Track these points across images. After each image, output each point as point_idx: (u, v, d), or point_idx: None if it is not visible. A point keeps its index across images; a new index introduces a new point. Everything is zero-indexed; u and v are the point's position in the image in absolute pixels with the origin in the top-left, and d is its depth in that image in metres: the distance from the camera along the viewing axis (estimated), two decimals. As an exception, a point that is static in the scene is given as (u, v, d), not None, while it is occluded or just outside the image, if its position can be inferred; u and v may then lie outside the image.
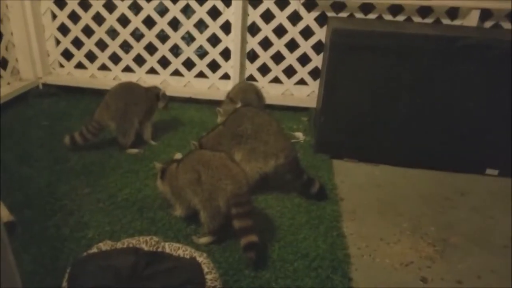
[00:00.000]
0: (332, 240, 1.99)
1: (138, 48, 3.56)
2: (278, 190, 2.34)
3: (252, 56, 3.45)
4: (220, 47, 3.42)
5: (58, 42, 3.70)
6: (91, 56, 3.70)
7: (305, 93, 3.43)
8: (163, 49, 3.53)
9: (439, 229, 2.14)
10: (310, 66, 3.33)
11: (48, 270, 1.69)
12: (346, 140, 2.75)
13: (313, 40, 3.24)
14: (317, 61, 3.27)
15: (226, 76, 3.52)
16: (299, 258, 1.86)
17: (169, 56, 3.55)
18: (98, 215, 2.06)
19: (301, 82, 3.42)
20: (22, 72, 3.62)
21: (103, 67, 3.71)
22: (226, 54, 3.44)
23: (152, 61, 3.58)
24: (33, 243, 1.84)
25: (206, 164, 1.90)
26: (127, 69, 3.67)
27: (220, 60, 3.46)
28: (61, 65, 3.79)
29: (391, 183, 2.55)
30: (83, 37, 3.61)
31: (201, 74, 3.58)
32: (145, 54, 3.58)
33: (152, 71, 3.64)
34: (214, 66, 3.53)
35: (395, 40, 2.49)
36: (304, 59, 3.33)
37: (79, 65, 3.75)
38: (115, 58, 3.66)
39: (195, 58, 3.51)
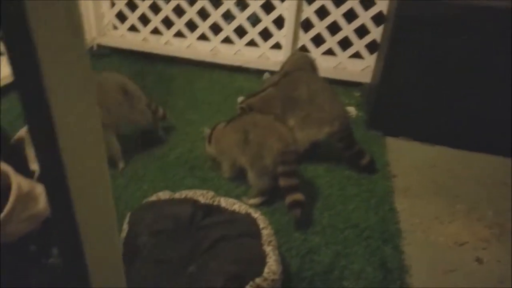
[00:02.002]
0: (383, 213, 1.95)
1: (191, 13, 3.54)
2: (327, 161, 2.31)
3: (306, 25, 3.36)
4: (274, 15, 3.34)
5: (112, 4, 3.75)
6: (144, 20, 3.73)
7: (359, 67, 3.32)
8: (216, 15, 3.49)
9: (496, 214, 2.04)
10: (367, 39, 3.19)
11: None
12: (402, 118, 2.65)
13: (373, 10, 3.09)
14: (375, 33, 3.14)
15: (277, 46, 3.46)
16: (349, 227, 1.84)
17: (221, 23, 3.52)
18: (152, 170, 2.11)
19: (356, 55, 3.30)
20: (79, 32, 3.70)
21: (155, 31, 3.73)
22: (279, 22, 3.37)
23: (204, 27, 3.56)
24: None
25: (254, 124, 1.93)
26: (179, 34, 3.68)
27: (272, 28, 3.39)
28: (115, 27, 3.84)
29: (447, 164, 2.44)
30: (137, 0, 3.63)
31: (251, 43, 3.54)
32: (197, 20, 3.56)
33: (203, 37, 3.63)
34: (266, 34, 3.47)
35: (467, 13, 2.31)
36: (361, 31, 3.20)
37: (132, 28, 3.79)
38: (167, 22, 3.67)
39: (247, 26, 3.46)
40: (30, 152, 1.10)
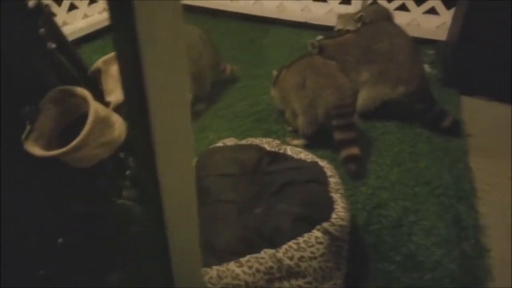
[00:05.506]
0: (457, 172, 1.84)
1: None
2: (398, 117, 2.20)
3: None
4: (344, -32, 3.18)
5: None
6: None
7: (434, 24, 3.08)
8: (283, -30, 3.39)
9: None
10: (444, -7, 2.96)
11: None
12: (480, 76, 2.43)
13: (453, -39, 2.84)
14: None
15: (346, 1, 3.30)
16: (420, 184, 1.76)
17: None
18: (218, 121, 2.14)
19: (432, 11, 3.06)
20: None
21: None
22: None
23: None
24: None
25: (313, 70, 1.88)
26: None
27: (342, -18, 3.24)
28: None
29: (528, 124, 2.24)
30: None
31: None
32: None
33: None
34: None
35: None
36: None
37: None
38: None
39: (315, -20, 3.33)
40: (106, 84, 1.14)
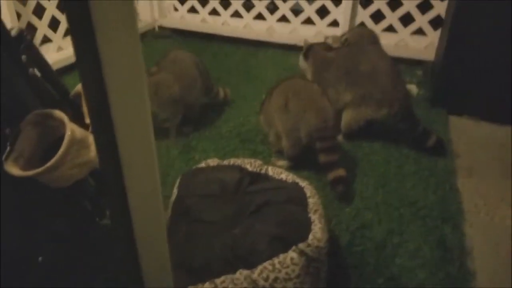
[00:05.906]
0: (443, 193, 1.83)
1: (248, -8, 3.53)
2: (384, 138, 2.19)
3: (365, 1, 3.21)
4: (332, -9, 3.24)
5: (174, -14, 3.83)
6: (203, 1, 3.76)
7: (422, 44, 3.12)
8: (272, -6, 3.45)
9: None
10: (431, 14, 2.99)
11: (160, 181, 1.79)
12: (468, 96, 2.45)
13: (438, -17, 2.90)
14: (440, 8, 2.93)
15: (335, 23, 3.35)
16: (405, 205, 1.74)
17: (277, 1, 3.46)
18: (204, 142, 2.14)
19: (419, 32, 3.11)
20: (141, 14, 3.82)
21: (214, 12, 3.76)
22: (336, -1, 3.26)
23: (260, 6, 3.53)
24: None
25: (295, 93, 1.89)
26: (236, 14, 3.68)
27: (329, 5, 3.28)
28: (176, 9, 3.93)
29: (516, 145, 2.24)
30: (196, -19, 3.67)
31: (308, 21, 3.45)
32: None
33: (259, 16, 3.60)
34: (322, 12, 3.37)
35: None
36: (424, 6, 3.00)
37: (192, 9, 3.85)
38: (224, 3, 3.68)
39: (303, 3, 3.38)
40: (86, 107, 1.16)
